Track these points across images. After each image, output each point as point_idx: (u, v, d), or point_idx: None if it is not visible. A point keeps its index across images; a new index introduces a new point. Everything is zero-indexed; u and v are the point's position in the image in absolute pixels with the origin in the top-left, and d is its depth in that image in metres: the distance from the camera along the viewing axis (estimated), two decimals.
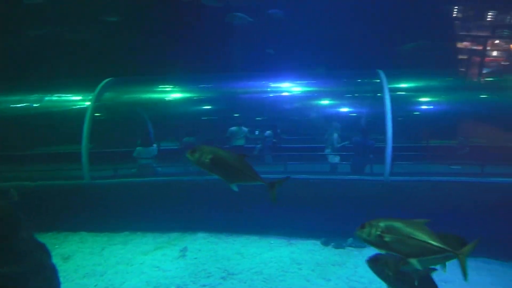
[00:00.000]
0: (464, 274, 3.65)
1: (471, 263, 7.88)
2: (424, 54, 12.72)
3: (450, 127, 10.86)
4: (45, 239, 4.85)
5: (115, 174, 10.12)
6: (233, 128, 11.15)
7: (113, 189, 9.39)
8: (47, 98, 11.09)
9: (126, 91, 11.21)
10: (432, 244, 3.59)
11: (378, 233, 3.70)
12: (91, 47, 14.40)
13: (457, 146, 10.73)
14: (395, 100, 9.41)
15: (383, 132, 9.00)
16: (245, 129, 11.16)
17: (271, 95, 11.20)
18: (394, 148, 8.99)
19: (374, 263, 4.23)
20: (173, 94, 11.52)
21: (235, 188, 4.25)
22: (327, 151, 10.59)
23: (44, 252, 4.45)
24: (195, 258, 8.21)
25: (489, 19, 14.62)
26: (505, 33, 14.60)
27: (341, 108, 11.68)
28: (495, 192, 8.36)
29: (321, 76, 11.90)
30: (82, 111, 9.76)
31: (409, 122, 10.79)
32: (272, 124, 11.90)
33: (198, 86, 11.65)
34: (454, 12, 15.05)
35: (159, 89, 11.54)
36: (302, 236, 9.07)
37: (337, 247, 8.64)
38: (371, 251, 8.20)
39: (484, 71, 13.27)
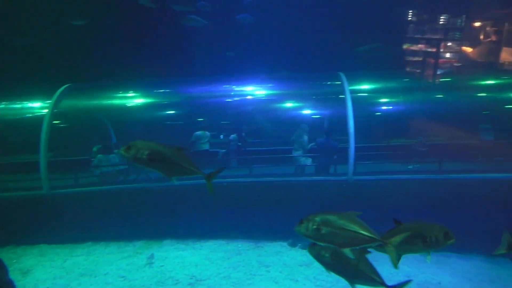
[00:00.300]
0: (394, 262, 3.92)
1: (432, 257, 8.16)
2: (378, 56, 13.14)
3: (408, 126, 11.25)
4: (2, 253, 4.64)
5: (76, 183, 9.81)
6: (198, 133, 11.07)
7: (74, 199, 9.08)
8: (1, 106, 10.61)
9: (86, 97, 10.88)
10: (363, 234, 3.86)
11: (315, 227, 3.91)
12: (48, 52, 13.90)
13: (415, 144, 11.12)
14: (356, 101, 9.64)
15: (346, 132, 9.20)
16: (208, 133, 11.10)
17: (235, 98, 11.21)
18: (357, 148, 9.19)
19: (312, 248, 4.46)
20: (135, 99, 11.30)
21: (175, 181, 4.24)
22: (295, 152, 10.69)
23: (0, 267, 4.25)
24: (162, 265, 8.08)
25: (442, 22, 15.29)
26: (457, 35, 15.33)
27: (305, 110, 11.84)
28: (452, 188, 8.73)
29: (284, 79, 12.02)
30: (40, 119, 9.39)
31: (370, 123, 11.08)
32: (237, 127, 11.92)
33: (161, 90, 11.50)
34: (409, 16, 15.66)
35: (121, 94, 11.29)
36: (269, 239, 9.12)
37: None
38: None
39: (438, 72, 13.87)
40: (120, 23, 13.67)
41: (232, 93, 11.34)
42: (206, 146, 10.95)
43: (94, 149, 10.14)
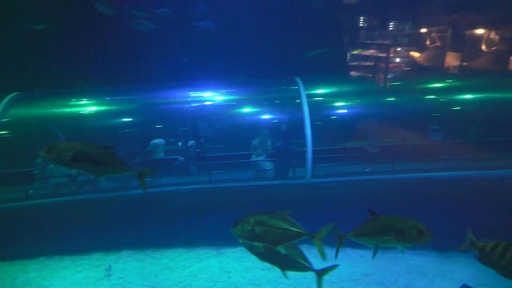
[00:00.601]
0: (321, 254, 4.28)
1: (389, 255, 8.41)
2: (327, 60, 13.55)
3: (363, 128, 11.57)
4: None
5: (26, 195, 9.34)
6: (155, 141, 10.86)
7: (24, 212, 8.65)
8: None
9: (36, 106, 10.44)
10: (292, 231, 4.19)
11: (250, 227, 4.18)
12: None
13: (367, 147, 11.41)
14: (312, 105, 9.85)
15: (304, 136, 9.35)
16: (162, 141, 10.90)
17: (194, 104, 11.12)
18: (315, 152, 9.38)
19: (247, 244, 4.73)
20: (90, 107, 10.95)
21: (103, 182, 4.19)
22: (255, 157, 10.72)
23: None
24: (120, 277, 7.86)
25: (391, 28, 15.95)
26: (405, 41, 16.05)
27: (263, 115, 11.91)
28: (405, 187, 9.08)
29: (242, 85, 12.07)
30: None
31: (327, 126, 11.30)
32: (195, 134, 11.79)
33: (116, 98, 11.21)
34: (361, 22, 16.22)
35: (74, 102, 10.90)
36: (231, 245, 9.07)
37: None
38: None
39: (389, 76, 14.45)
40: (76, 29, 13.23)
41: (190, 99, 11.25)
42: (161, 155, 10.76)
43: (39, 160, 9.67)
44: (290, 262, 4.70)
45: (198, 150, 11.09)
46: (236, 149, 11.85)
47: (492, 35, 14.30)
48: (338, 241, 4.55)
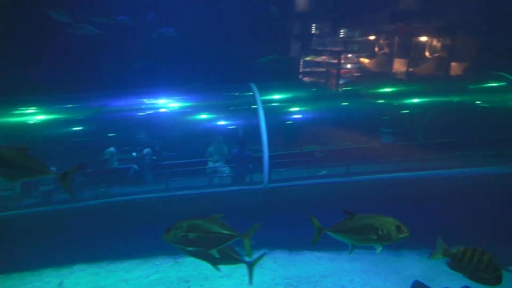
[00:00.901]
0: (248, 252, 4.54)
1: (345, 254, 8.59)
2: (279, 66, 13.82)
3: (317, 133, 11.81)
4: None
5: None
6: (109, 150, 10.54)
7: None
8: None
9: None
10: (224, 234, 4.32)
11: (183, 233, 4.22)
12: None
13: (316, 151, 11.66)
14: (268, 111, 9.96)
15: (260, 142, 9.43)
16: (114, 149, 10.60)
17: (148, 112, 10.91)
18: (271, 157, 9.48)
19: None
20: (37, 116, 10.45)
21: (18, 188, 4.03)
22: (212, 164, 10.66)
23: None
24: None
25: (342, 35, 16.48)
26: (355, 48, 16.63)
27: (219, 121, 11.88)
28: (359, 188, 9.38)
29: (197, 91, 12.00)
30: None
31: (283, 131, 11.44)
32: (151, 141, 11.56)
33: (66, 106, 10.79)
34: (313, 29, 16.64)
35: (20, 111, 10.37)
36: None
37: None
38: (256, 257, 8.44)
39: (341, 82, 14.91)
40: (22, 34, 12.60)
41: (143, 106, 11.04)
42: (115, 164, 10.47)
43: None
44: (221, 257, 4.77)
45: (154, 157, 10.89)
46: (193, 156, 11.73)
47: (435, 42, 15.14)
48: (317, 234, 4.70)
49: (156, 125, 11.13)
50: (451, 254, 4.41)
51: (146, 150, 10.93)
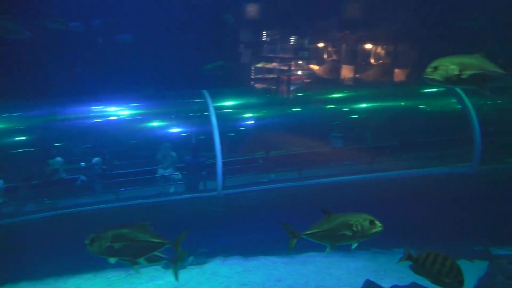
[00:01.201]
0: (180, 259, 4.58)
1: (299, 258, 8.69)
2: (228, 73, 13.94)
3: (271, 138, 11.93)
4: None
5: None
6: (55, 160, 10.07)
7: None
8: None
9: None
10: (154, 242, 4.28)
11: (108, 243, 4.11)
12: None
13: (272, 156, 11.75)
14: (221, 117, 9.95)
15: (214, 148, 9.39)
16: (61, 159, 10.17)
17: (98, 120, 10.57)
18: (225, 163, 9.46)
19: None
20: None
21: None
22: (163, 171, 10.47)
23: None
24: None
25: (292, 43, 16.83)
26: (305, 55, 17.04)
27: (172, 128, 11.71)
28: (311, 192, 9.58)
29: (150, 98, 11.79)
30: None
31: (236, 137, 11.46)
32: (101, 150, 11.17)
33: (7, 115, 10.24)
34: (264, 36, 16.87)
35: None
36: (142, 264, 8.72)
37: (180, 268, 8.58)
38: (212, 266, 8.47)
39: (292, 88, 15.21)
40: None
41: (92, 114, 10.68)
42: (62, 174, 10.03)
43: None
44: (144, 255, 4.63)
45: (104, 167, 10.54)
46: (146, 164, 11.48)
47: (379, 50, 15.85)
48: (291, 240, 4.72)
49: (106, 133, 10.80)
50: (414, 258, 4.56)
51: (95, 160, 10.56)
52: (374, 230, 4.44)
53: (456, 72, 4.40)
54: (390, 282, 8.11)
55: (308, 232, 4.67)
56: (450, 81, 4.50)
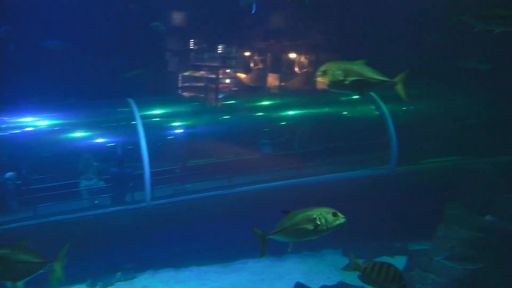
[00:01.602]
0: (60, 277, 4.39)
1: (232, 266, 8.68)
2: (143, 81, 13.79)
3: (201, 146, 11.85)
4: None
5: None
6: None
7: None
8: None
9: None
10: (33, 262, 4.07)
11: None
12: None
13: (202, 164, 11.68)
14: (148, 126, 9.71)
15: (141, 159, 9.13)
16: None
17: (12, 131, 9.81)
18: (154, 173, 9.23)
19: None
20: None
21: None
22: (86, 182, 9.95)
23: None
24: None
25: (219, 51, 16.91)
26: (233, 63, 17.21)
27: (96, 139, 11.19)
28: (242, 199, 9.66)
29: (71, 107, 11.20)
30: None
31: (164, 147, 11.24)
32: (16, 164, 10.34)
33: None
34: (191, 45, 16.76)
35: None
36: (66, 283, 8.19)
37: (105, 285, 8.19)
38: (141, 280, 8.21)
39: (220, 96, 15.23)
40: None
41: (5, 126, 9.90)
42: None
43: None
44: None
45: (19, 182, 9.77)
46: (67, 177, 10.83)
47: (302, 59, 16.48)
48: (262, 241, 4.68)
49: (22, 146, 10.05)
50: (361, 269, 4.82)
51: (8, 174, 9.75)
52: (337, 222, 4.52)
53: (341, 78, 4.67)
54: (319, 283, 8.43)
55: (275, 231, 4.63)
56: (337, 85, 4.76)
